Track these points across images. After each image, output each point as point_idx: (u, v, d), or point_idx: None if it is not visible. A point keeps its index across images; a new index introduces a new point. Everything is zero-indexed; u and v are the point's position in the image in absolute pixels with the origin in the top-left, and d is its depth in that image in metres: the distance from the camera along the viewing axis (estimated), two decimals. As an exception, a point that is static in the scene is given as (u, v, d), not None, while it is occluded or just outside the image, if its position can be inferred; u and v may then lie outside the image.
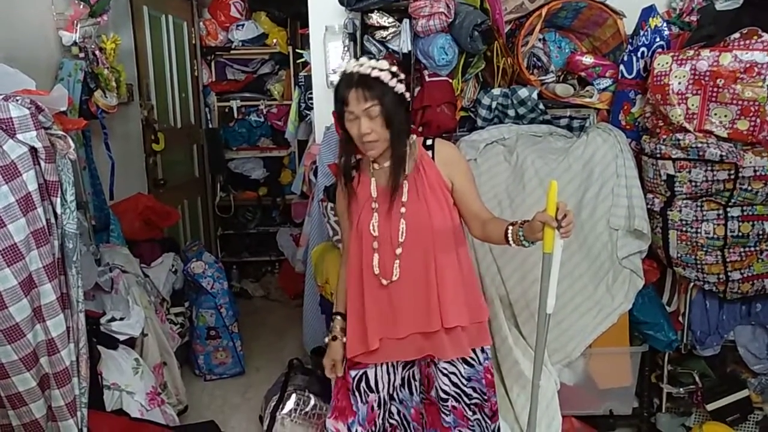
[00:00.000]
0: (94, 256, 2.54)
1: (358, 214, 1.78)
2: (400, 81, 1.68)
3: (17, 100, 1.64)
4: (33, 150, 1.66)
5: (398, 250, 1.72)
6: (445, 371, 1.80)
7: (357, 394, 1.84)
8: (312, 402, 2.56)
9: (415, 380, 1.88)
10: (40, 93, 1.78)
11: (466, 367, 1.81)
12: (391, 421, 1.87)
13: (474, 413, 1.84)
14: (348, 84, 1.64)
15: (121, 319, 2.47)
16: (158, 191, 3.64)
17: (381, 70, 1.64)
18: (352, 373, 1.84)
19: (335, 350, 1.87)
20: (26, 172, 1.64)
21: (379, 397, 1.84)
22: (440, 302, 1.72)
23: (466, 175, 1.79)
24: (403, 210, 1.72)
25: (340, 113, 1.70)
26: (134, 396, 2.34)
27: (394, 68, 1.69)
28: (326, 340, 1.91)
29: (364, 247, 1.75)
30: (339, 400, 1.89)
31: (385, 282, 1.73)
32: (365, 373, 1.83)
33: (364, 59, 1.69)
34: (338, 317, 1.90)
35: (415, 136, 1.81)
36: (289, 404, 2.55)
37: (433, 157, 1.78)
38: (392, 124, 1.66)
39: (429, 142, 1.80)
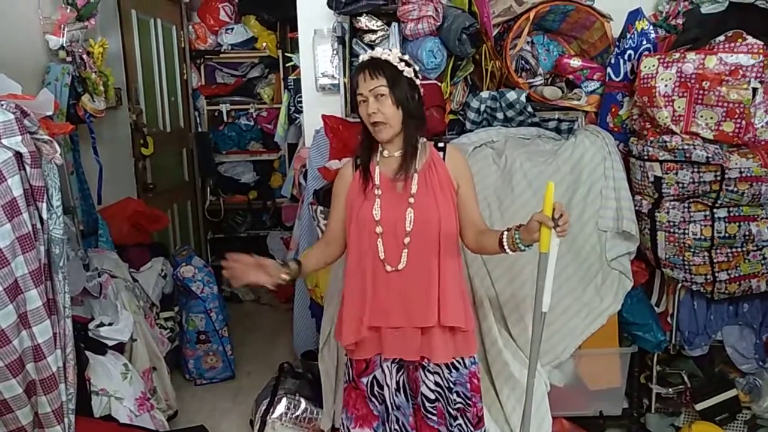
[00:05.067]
0: (82, 261, 2.52)
1: (360, 199, 1.77)
2: (410, 67, 1.73)
3: (2, 105, 1.63)
4: (18, 155, 1.65)
5: (406, 240, 1.72)
6: (432, 370, 1.80)
7: (373, 399, 1.86)
8: (303, 406, 2.55)
9: (406, 386, 1.87)
10: (26, 97, 1.77)
11: (452, 370, 1.81)
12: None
13: (455, 419, 1.82)
14: (359, 69, 1.72)
15: (110, 324, 2.45)
16: (147, 195, 3.62)
17: (390, 54, 1.72)
18: (364, 380, 1.85)
19: (275, 267, 1.74)
20: (11, 177, 1.63)
21: (392, 393, 1.85)
22: (441, 300, 1.73)
23: (471, 183, 1.81)
24: (411, 200, 1.72)
25: (354, 101, 1.75)
26: (123, 401, 2.32)
27: (407, 57, 1.75)
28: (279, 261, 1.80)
29: (366, 232, 1.74)
30: (358, 409, 1.88)
31: (390, 268, 1.73)
32: (375, 377, 1.84)
33: (378, 48, 1.75)
34: (294, 262, 1.82)
35: (425, 138, 1.82)
36: (280, 408, 2.54)
37: (443, 159, 1.80)
38: (403, 106, 1.69)
39: (441, 145, 1.82)
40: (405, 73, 1.70)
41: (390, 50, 1.73)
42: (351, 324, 1.79)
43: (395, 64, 1.69)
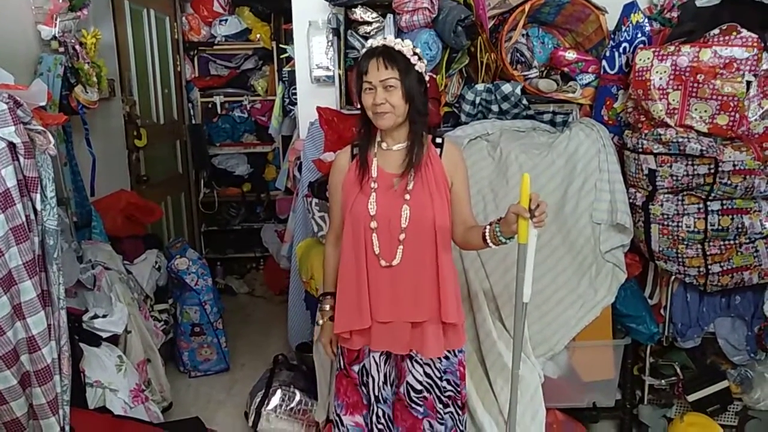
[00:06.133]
0: (76, 253, 2.51)
1: (356, 191, 1.76)
2: (421, 61, 1.71)
3: (-5, 95, 1.62)
4: (11, 145, 1.64)
5: (401, 236, 1.71)
6: (422, 362, 1.81)
7: (364, 388, 1.87)
8: (297, 397, 2.56)
9: (391, 376, 1.88)
10: (18, 88, 1.75)
11: (442, 360, 1.82)
12: (379, 426, 1.87)
13: (446, 406, 1.85)
14: (370, 54, 1.68)
15: (104, 316, 2.45)
16: (141, 187, 3.61)
17: (404, 46, 1.68)
18: (355, 368, 1.86)
19: (331, 329, 1.88)
20: (4, 167, 1.62)
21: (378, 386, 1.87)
22: (441, 297, 1.73)
23: (465, 180, 1.81)
24: (407, 197, 1.72)
25: (359, 87, 1.72)
26: (117, 393, 2.32)
27: (418, 50, 1.72)
28: (320, 322, 1.92)
29: (361, 226, 1.74)
30: (348, 396, 1.89)
31: (384, 263, 1.73)
32: (363, 366, 1.86)
33: (390, 36, 1.73)
34: (329, 297, 1.91)
35: (424, 132, 1.81)
36: (275, 400, 2.55)
37: (440, 155, 1.79)
38: (412, 100, 1.68)
39: (439, 140, 1.81)
40: (416, 67, 1.69)
41: (402, 40, 1.70)
42: (344, 314, 1.79)
43: (408, 56, 1.67)
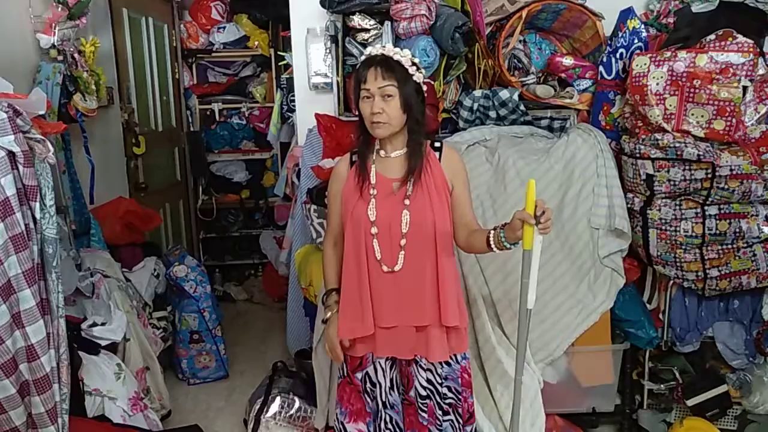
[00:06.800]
0: (74, 261, 2.51)
1: (355, 197, 1.77)
2: (419, 72, 1.72)
3: (-6, 104, 1.62)
4: (11, 154, 1.64)
5: (402, 241, 1.72)
6: (425, 367, 1.81)
7: (367, 395, 1.87)
8: (296, 405, 2.56)
9: (397, 381, 1.89)
10: (18, 96, 1.76)
11: (444, 365, 1.82)
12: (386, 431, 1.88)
13: (446, 413, 1.84)
14: (369, 63, 1.69)
15: (103, 324, 2.44)
16: (139, 195, 3.61)
17: (402, 56, 1.69)
18: (358, 375, 1.86)
19: (334, 330, 1.83)
20: (4, 176, 1.62)
21: (384, 391, 1.87)
22: (441, 300, 1.74)
23: (466, 183, 1.82)
24: (407, 202, 1.72)
25: (356, 94, 1.73)
26: (116, 401, 2.32)
27: (417, 59, 1.74)
28: (328, 315, 1.85)
29: (362, 232, 1.74)
30: (352, 404, 1.89)
31: (386, 269, 1.73)
32: (367, 373, 1.85)
33: (389, 45, 1.75)
34: (333, 293, 1.88)
35: (422, 140, 1.82)
36: (274, 407, 2.54)
37: (439, 159, 1.79)
38: (410, 110, 1.69)
39: (437, 144, 1.82)
40: (414, 78, 1.70)
41: (401, 50, 1.71)
42: (348, 321, 1.79)
43: (407, 66, 1.68)
